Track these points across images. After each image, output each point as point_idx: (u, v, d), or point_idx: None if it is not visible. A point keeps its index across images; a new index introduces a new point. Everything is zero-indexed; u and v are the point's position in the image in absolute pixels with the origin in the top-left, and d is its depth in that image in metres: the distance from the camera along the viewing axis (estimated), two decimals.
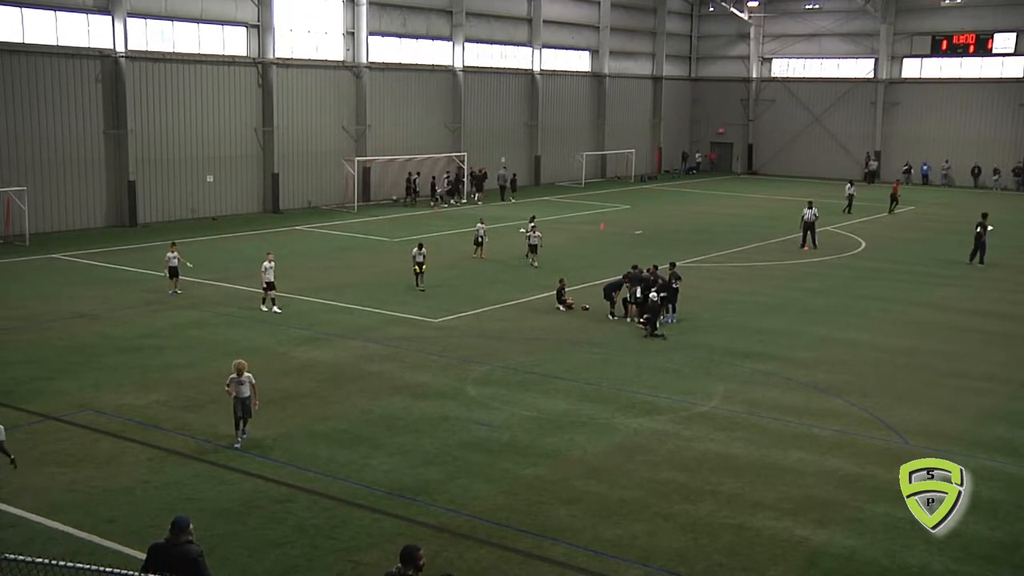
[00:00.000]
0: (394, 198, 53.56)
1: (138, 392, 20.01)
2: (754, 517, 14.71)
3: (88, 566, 8.54)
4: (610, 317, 27.17)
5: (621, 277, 27.55)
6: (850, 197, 51.83)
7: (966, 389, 21.50)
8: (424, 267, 30.59)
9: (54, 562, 8.18)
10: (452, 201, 53.81)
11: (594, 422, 18.83)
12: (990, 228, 37.35)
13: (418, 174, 53.93)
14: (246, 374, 17.14)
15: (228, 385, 17.25)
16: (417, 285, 30.41)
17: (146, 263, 33.67)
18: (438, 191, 53.82)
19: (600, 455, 17.17)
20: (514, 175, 58.68)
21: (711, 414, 19.44)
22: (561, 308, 28.14)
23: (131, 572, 8.95)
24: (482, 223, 37.19)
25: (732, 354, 23.86)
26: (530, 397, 20.20)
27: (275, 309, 27.07)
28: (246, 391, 17.13)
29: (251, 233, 41.67)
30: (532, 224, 35.96)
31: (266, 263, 27.36)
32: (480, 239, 36.32)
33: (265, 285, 27.26)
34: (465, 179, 56.01)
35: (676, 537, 14.06)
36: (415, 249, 30.78)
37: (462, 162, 56.09)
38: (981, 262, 36.96)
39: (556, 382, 21.28)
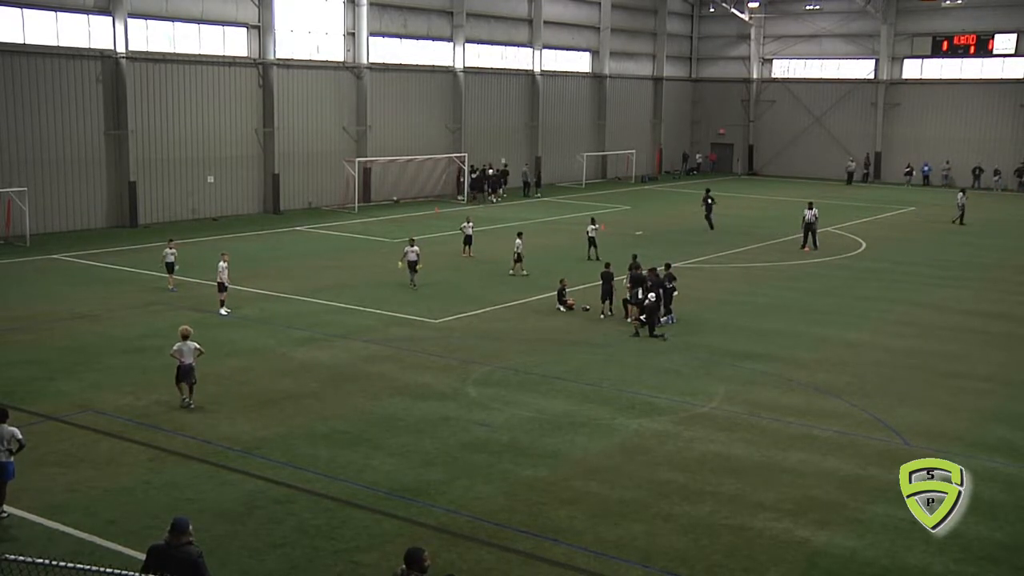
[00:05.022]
0: (395, 199, 53.60)
1: (138, 392, 20.00)
2: (754, 518, 14.71)
3: (88, 567, 8.53)
4: (603, 316, 27.31)
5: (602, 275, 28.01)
6: (962, 207, 48.24)
7: (967, 390, 21.48)
8: (419, 266, 30.61)
9: (54, 563, 8.18)
10: (501, 195, 55.79)
11: (594, 423, 18.83)
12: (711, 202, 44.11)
13: (481, 171, 55.40)
14: (190, 342, 18.79)
15: (175, 354, 18.83)
16: (411, 283, 30.45)
17: (147, 264, 33.64)
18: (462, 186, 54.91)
19: (600, 456, 17.17)
20: (538, 172, 60.41)
21: (711, 415, 19.43)
22: (562, 309, 28.16)
23: (131, 573, 8.95)
24: (469, 222, 37.37)
25: (732, 355, 23.85)
26: (530, 398, 20.20)
27: (222, 311, 26.60)
28: (189, 359, 18.67)
29: (252, 233, 41.66)
30: (595, 226, 36.93)
31: (221, 263, 26.88)
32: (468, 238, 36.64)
33: (217, 284, 26.86)
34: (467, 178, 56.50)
35: (676, 538, 14.06)
36: (407, 247, 30.92)
37: (462, 161, 56.14)
38: (711, 227, 43.72)
39: (556, 383, 21.28)
